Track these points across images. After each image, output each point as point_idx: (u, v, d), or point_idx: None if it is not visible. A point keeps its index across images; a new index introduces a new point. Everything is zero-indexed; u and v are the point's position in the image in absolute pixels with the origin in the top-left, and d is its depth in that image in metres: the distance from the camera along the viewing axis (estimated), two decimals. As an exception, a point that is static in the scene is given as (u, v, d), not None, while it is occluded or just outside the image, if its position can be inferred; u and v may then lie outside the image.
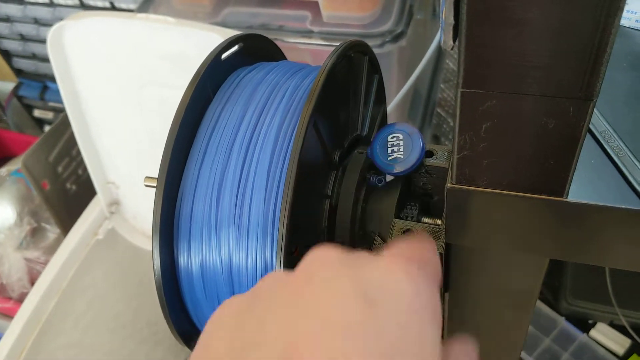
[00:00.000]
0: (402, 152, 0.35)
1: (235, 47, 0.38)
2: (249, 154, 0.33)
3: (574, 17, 0.21)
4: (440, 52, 0.99)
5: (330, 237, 0.36)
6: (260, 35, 0.41)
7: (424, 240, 0.28)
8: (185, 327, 0.36)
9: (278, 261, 0.30)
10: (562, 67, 0.23)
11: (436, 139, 1.04)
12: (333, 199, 0.36)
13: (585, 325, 0.87)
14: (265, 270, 0.33)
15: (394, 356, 0.20)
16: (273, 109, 0.34)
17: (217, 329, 0.23)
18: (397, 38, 0.63)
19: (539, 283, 0.37)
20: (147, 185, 0.43)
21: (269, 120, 0.34)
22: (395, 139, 0.36)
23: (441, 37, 0.24)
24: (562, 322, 0.85)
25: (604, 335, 0.86)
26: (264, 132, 0.34)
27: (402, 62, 0.72)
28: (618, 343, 0.85)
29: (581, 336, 0.85)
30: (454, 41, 0.24)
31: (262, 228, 0.32)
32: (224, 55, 0.37)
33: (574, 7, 0.21)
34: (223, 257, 0.33)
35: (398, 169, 0.35)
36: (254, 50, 0.41)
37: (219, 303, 0.34)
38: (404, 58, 0.71)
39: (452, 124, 1.36)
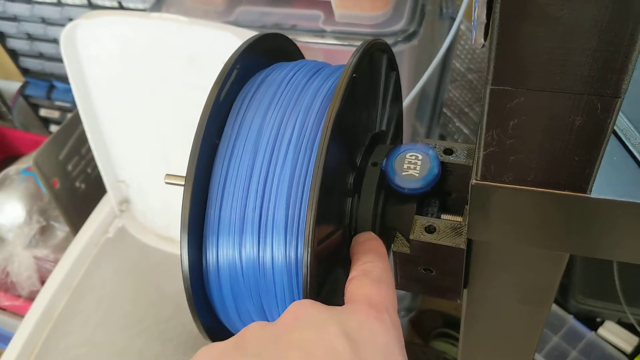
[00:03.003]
0: (417, 171, 0.36)
1: (235, 72, 0.37)
2: (274, 158, 0.34)
3: (606, 15, 0.22)
4: (447, 53, 0.99)
5: (353, 234, 0.37)
6: (281, 35, 0.41)
7: (382, 272, 0.33)
8: (211, 322, 0.36)
9: (305, 253, 0.31)
10: (592, 64, 0.24)
11: (442, 139, 1.04)
12: (355, 200, 0.36)
13: (593, 323, 0.88)
14: (290, 266, 0.33)
15: None
16: (294, 117, 0.35)
17: None
18: (409, 37, 0.63)
19: (557, 279, 0.37)
20: (167, 183, 0.44)
21: (291, 128, 0.34)
22: (414, 157, 0.36)
23: (472, 35, 0.25)
24: (571, 320, 0.86)
25: (612, 333, 0.86)
26: (287, 138, 0.34)
27: (412, 62, 0.72)
28: (626, 341, 0.86)
29: (589, 334, 0.85)
30: (485, 39, 0.25)
31: (289, 226, 0.33)
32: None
33: (606, 5, 0.21)
34: (249, 254, 0.34)
35: (409, 186, 0.35)
36: (274, 49, 0.41)
37: (246, 299, 0.35)
38: (414, 58, 0.71)
39: (457, 123, 1.35)
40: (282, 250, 0.33)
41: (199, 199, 0.34)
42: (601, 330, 0.87)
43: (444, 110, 1.24)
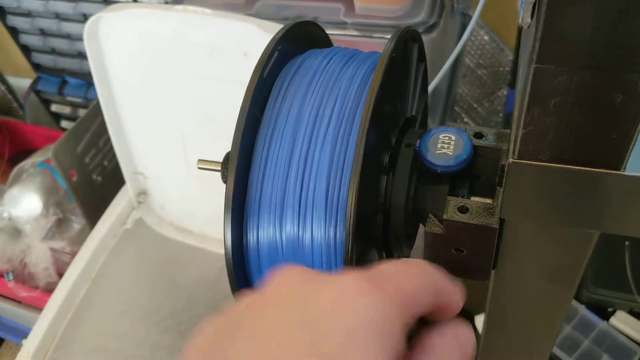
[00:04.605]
0: (451, 150, 0.37)
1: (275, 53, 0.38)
2: (314, 137, 0.35)
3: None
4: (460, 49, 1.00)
5: (386, 215, 0.38)
6: (315, 23, 0.42)
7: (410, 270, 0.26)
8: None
9: (347, 231, 0.32)
10: (636, 43, 0.25)
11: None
12: (389, 179, 0.37)
13: (605, 313, 0.89)
14: (329, 244, 0.34)
15: None
16: (333, 98, 0.36)
17: (194, 349, 0.25)
18: (430, 29, 0.64)
19: (586, 258, 0.38)
20: (200, 168, 0.45)
21: (330, 107, 0.35)
22: (447, 138, 0.37)
23: (519, 15, 0.26)
24: (583, 310, 0.87)
25: (624, 322, 0.87)
26: (327, 117, 0.35)
27: (431, 55, 0.73)
28: (638, 330, 0.86)
29: (601, 324, 0.86)
30: (532, 19, 0.26)
31: (329, 205, 0.34)
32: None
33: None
34: (290, 234, 0.35)
35: (443, 163, 0.36)
36: (308, 37, 0.42)
37: None
38: (433, 51, 0.73)
39: (466, 119, 1.36)
40: (322, 228, 0.34)
41: (241, 177, 0.35)
42: (613, 320, 0.88)
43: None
